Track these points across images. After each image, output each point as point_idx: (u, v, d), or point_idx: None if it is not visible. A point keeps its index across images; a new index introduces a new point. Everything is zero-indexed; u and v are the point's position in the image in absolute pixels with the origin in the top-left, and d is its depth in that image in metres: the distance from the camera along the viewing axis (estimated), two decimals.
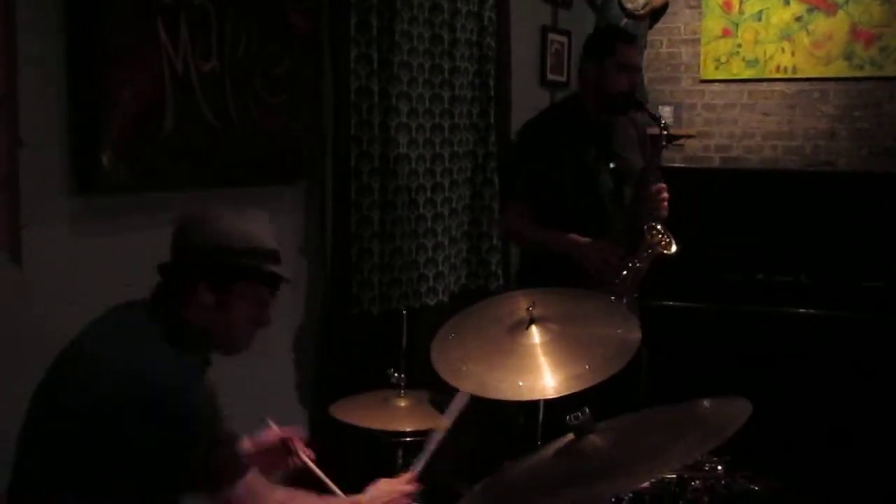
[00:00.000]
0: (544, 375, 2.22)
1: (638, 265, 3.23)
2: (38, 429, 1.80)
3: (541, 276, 3.30)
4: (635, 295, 3.36)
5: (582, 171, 3.40)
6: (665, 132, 3.25)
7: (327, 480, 2.20)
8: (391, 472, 2.51)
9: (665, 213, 3.30)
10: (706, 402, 1.82)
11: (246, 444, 2.19)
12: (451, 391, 2.32)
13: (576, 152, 3.41)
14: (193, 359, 1.86)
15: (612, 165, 3.42)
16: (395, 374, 2.68)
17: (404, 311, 2.88)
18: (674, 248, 3.20)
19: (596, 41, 3.55)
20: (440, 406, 2.59)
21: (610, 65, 3.36)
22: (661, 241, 3.20)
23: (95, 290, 2.38)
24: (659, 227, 3.23)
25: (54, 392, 1.80)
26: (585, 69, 3.49)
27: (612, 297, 3.06)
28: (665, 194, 3.30)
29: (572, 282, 2.88)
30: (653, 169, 3.33)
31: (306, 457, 2.24)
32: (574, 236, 3.31)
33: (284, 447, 2.24)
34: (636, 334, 2.28)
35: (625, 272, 3.22)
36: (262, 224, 1.96)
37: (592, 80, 3.42)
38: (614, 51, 3.38)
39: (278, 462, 2.23)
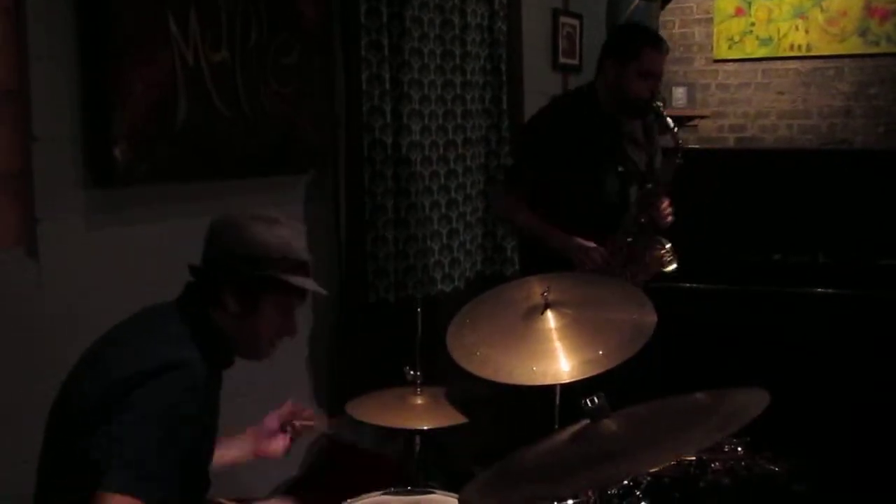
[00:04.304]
0: (559, 360, 2.21)
1: (628, 273, 3.17)
2: (61, 414, 1.82)
3: (542, 262, 3.25)
4: None
5: (589, 170, 3.29)
6: (679, 143, 3.15)
7: None
8: (409, 469, 2.53)
9: (667, 225, 3.23)
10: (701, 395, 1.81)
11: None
12: (467, 385, 2.32)
13: (584, 149, 3.28)
14: (212, 359, 1.86)
15: (619, 169, 3.32)
16: (412, 372, 2.67)
17: (419, 307, 2.87)
18: (673, 267, 3.18)
19: (622, 40, 3.36)
20: (456, 398, 2.59)
21: (633, 69, 3.20)
22: (663, 259, 3.18)
23: (112, 282, 2.39)
24: (667, 245, 3.19)
25: (80, 379, 1.82)
26: (606, 65, 3.30)
27: None
28: (669, 210, 3.22)
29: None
30: (661, 181, 3.22)
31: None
32: (564, 235, 3.22)
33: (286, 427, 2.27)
34: (651, 318, 2.27)
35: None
36: (296, 232, 1.94)
37: (612, 79, 3.26)
38: (640, 55, 3.20)
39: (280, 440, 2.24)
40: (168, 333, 1.82)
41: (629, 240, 3.20)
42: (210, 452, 1.95)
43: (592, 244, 3.17)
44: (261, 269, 1.85)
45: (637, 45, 3.23)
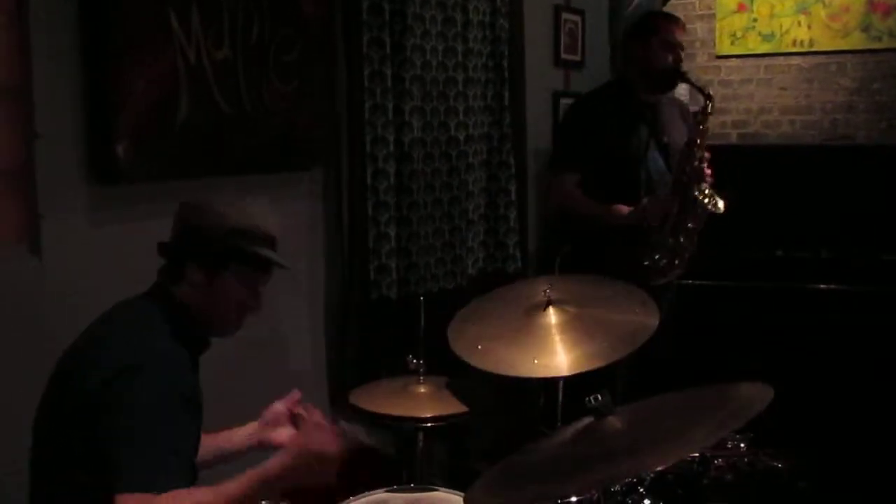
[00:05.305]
0: (559, 354, 2.22)
1: (689, 225, 3.36)
2: (49, 411, 1.84)
3: (585, 261, 3.37)
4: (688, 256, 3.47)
5: (633, 148, 3.51)
6: (710, 102, 3.35)
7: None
8: (412, 458, 2.52)
9: (709, 180, 3.40)
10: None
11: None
12: (470, 376, 2.32)
13: (627, 129, 3.52)
14: (188, 342, 1.88)
15: (664, 140, 3.55)
16: (414, 361, 2.67)
17: (422, 297, 2.87)
18: (721, 206, 3.30)
19: (641, 23, 3.70)
20: (459, 392, 2.59)
21: (655, 43, 3.51)
22: (708, 201, 3.31)
23: (114, 279, 2.38)
24: (706, 189, 3.33)
25: (64, 376, 1.84)
26: (630, 50, 3.62)
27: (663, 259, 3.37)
28: (705, 164, 3.39)
29: (615, 267, 2.87)
30: (698, 140, 3.39)
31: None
32: (625, 207, 3.41)
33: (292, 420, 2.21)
34: (653, 319, 2.27)
35: (675, 235, 3.37)
36: (261, 209, 1.97)
37: (638, 59, 3.56)
38: (659, 29, 3.53)
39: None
40: (144, 323, 1.84)
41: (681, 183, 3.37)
42: (197, 440, 1.95)
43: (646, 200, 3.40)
44: (223, 240, 1.89)
45: (654, 22, 3.61)
